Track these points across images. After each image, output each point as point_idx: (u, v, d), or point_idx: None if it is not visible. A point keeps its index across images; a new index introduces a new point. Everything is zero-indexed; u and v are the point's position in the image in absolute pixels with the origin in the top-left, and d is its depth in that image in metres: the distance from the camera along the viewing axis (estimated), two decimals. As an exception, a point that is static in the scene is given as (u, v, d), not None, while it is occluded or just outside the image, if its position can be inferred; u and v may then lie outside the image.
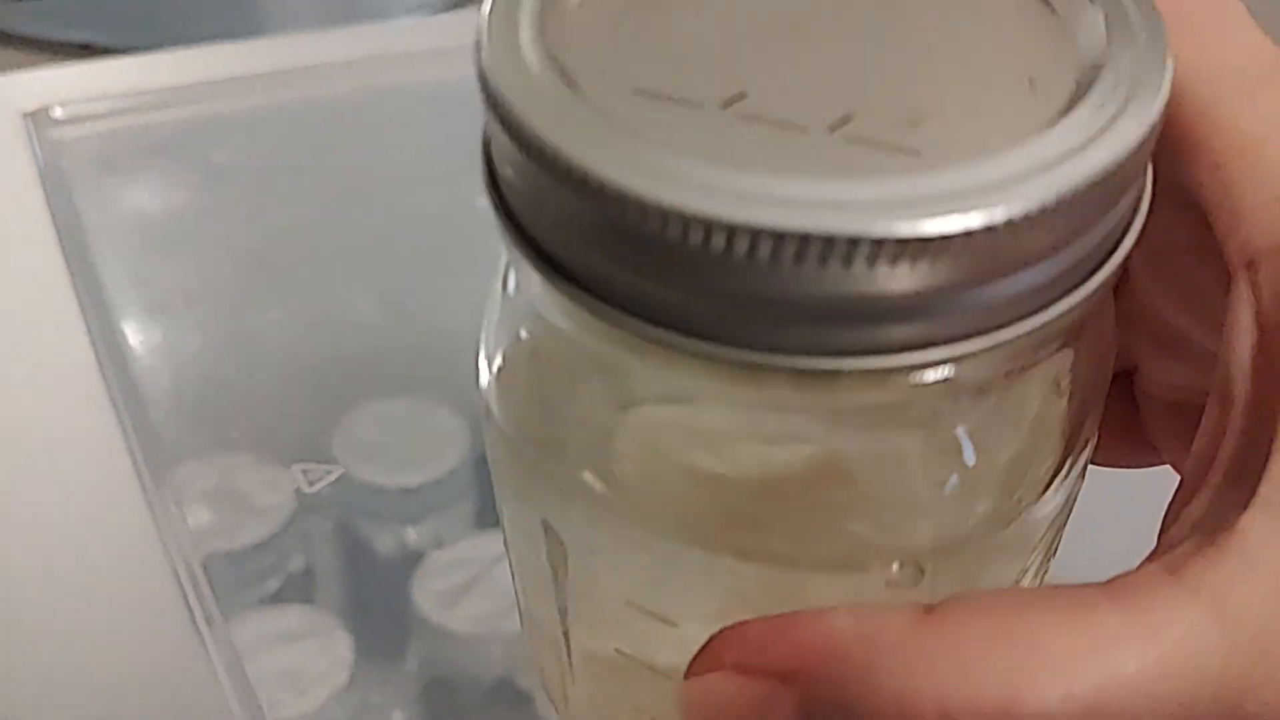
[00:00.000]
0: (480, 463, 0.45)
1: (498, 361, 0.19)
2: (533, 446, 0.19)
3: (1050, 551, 0.20)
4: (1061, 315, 0.16)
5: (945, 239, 0.14)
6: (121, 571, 0.34)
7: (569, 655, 0.20)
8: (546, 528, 0.19)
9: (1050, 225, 0.15)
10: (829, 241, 0.14)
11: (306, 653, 0.38)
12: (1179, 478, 0.18)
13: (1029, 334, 0.16)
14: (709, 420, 0.18)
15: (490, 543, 0.42)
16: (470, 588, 0.41)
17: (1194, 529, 0.16)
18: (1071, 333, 0.17)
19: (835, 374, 0.15)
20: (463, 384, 0.46)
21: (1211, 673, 0.15)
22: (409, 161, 0.51)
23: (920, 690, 0.15)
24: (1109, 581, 0.16)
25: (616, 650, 0.20)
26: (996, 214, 0.14)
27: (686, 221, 0.14)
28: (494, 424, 0.19)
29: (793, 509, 0.18)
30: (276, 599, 0.41)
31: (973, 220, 0.14)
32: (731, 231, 0.14)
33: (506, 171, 0.16)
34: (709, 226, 0.14)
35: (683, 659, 0.16)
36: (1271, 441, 0.16)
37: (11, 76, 0.49)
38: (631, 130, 0.15)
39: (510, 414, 0.19)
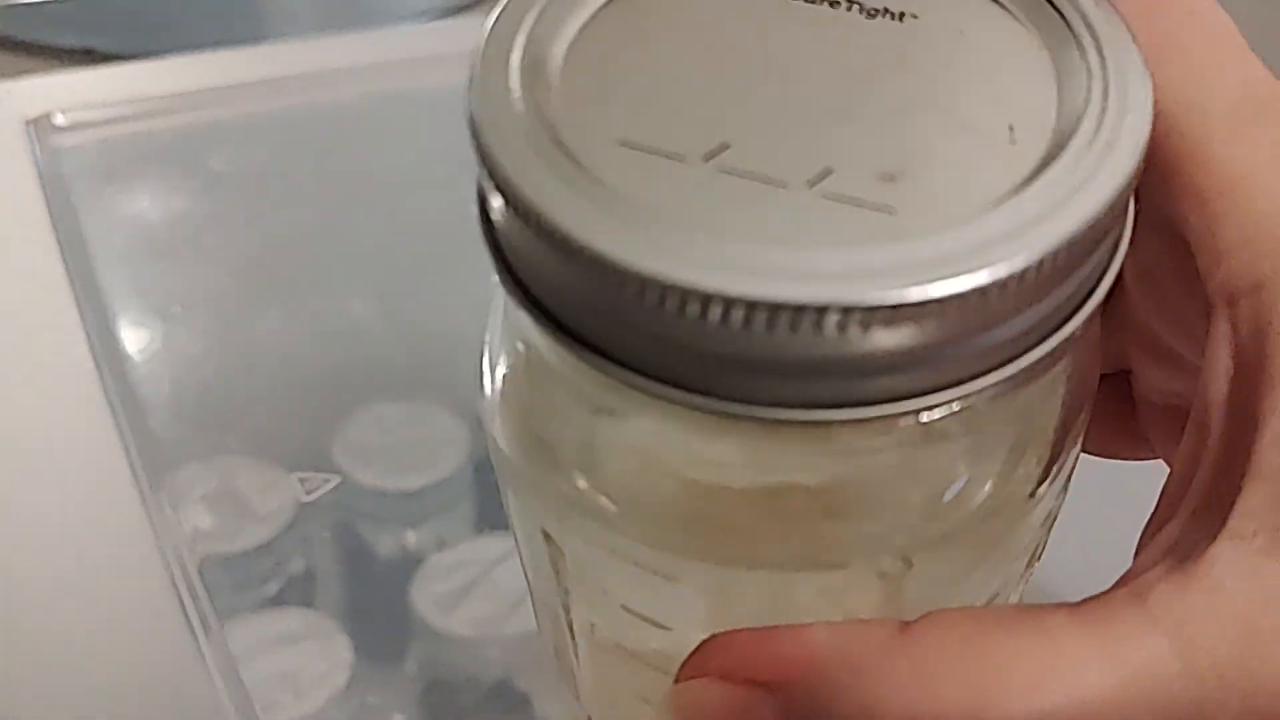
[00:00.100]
0: (480, 466, 0.45)
1: (500, 370, 0.19)
2: (529, 454, 0.19)
3: (1034, 557, 0.21)
4: (1038, 360, 0.16)
5: (909, 306, 0.14)
6: (118, 575, 0.34)
7: (575, 647, 0.21)
8: (546, 535, 0.20)
9: (1020, 289, 0.15)
10: (799, 310, 0.14)
11: (306, 655, 0.39)
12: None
13: (1007, 379, 0.16)
14: (690, 440, 0.18)
15: (489, 546, 0.42)
16: (470, 591, 0.41)
17: (1165, 554, 0.17)
18: (1065, 348, 0.17)
19: (806, 424, 0.16)
20: (462, 388, 0.46)
21: (1170, 698, 0.15)
22: (408, 167, 0.51)
23: (891, 705, 0.15)
24: (1079, 604, 0.16)
25: (618, 645, 0.20)
26: (962, 283, 0.15)
27: (664, 289, 0.15)
28: (495, 432, 0.20)
29: (779, 516, 0.18)
30: (276, 602, 0.41)
31: (935, 290, 0.14)
32: (706, 299, 0.14)
33: (496, 214, 0.17)
34: (684, 294, 0.14)
35: (680, 659, 0.17)
36: (1244, 475, 0.16)
37: (13, 83, 0.49)
38: (612, 190, 0.15)
39: (509, 422, 0.19)
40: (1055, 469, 0.19)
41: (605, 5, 0.18)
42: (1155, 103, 0.17)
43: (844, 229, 0.15)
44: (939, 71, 0.17)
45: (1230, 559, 0.16)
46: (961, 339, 0.15)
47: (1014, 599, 0.21)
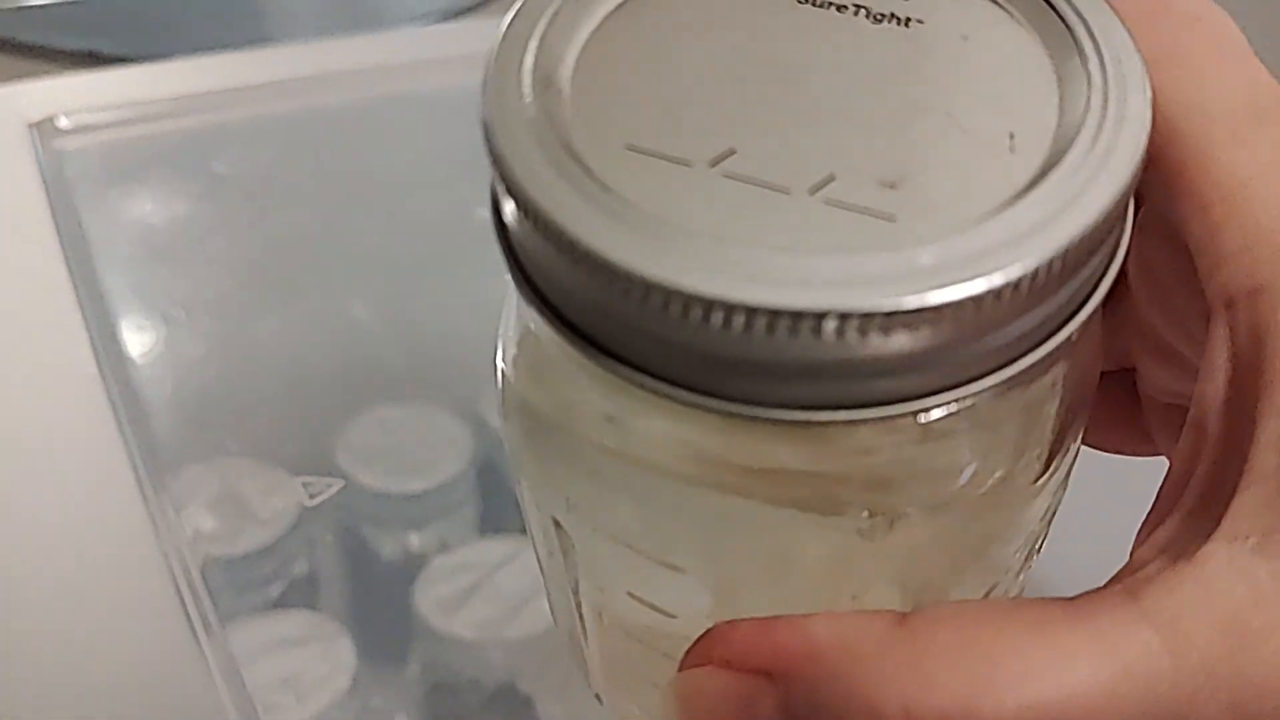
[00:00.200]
0: (483, 469, 0.45)
1: (513, 350, 0.20)
2: (544, 421, 0.20)
3: (1033, 550, 0.21)
4: (1036, 362, 0.17)
5: (905, 313, 0.15)
6: (120, 577, 0.35)
7: (585, 631, 0.22)
8: (556, 523, 0.20)
9: (1015, 297, 0.15)
10: (797, 316, 0.15)
11: (308, 658, 0.39)
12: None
13: (1005, 381, 0.16)
14: (694, 434, 0.18)
15: (492, 548, 0.42)
16: (472, 593, 0.41)
17: (1160, 553, 0.17)
18: (1064, 349, 0.18)
19: (806, 424, 0.16)
20: (465, 390, 0.46)
21: (1159, 694, 0.16)
22: (411, 170, 0.51)
23: (887, 695, 0.16)
24: (1074, 598, 0.17)
25: (626, 631, 0.21)
26: (957, 291, 0.15)
27: (668, 294, 0.15)
28: (509, 406, 0.20)
29: (784, 482, 0.19)
30: (279, 604, 0.41)
31: (931, 298, 0.15)
32: (709, 305, 0.15)
33: (507, 216, 0.17)
34: (687, 300, 0.15)
35: (686, 644, 0.17)
36: (1240, 477, 0.17)
37: (16, 86, 0.50)
38: (619, 195, 0.16)
39: (524, 394, 0.20)
40: (1055, 463, 0.19)
41: (616, 9, 0.18)
42: (1158, 108, 0.17)
43: (844, 236, 0.16)
44: (942, 77, 0.18)
45: (1223, 559, 0.16)
46: (958, 344, 0.16)
47: (1013, 592, 0.21)
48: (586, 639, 0.22)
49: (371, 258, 0.50)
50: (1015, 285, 0.15)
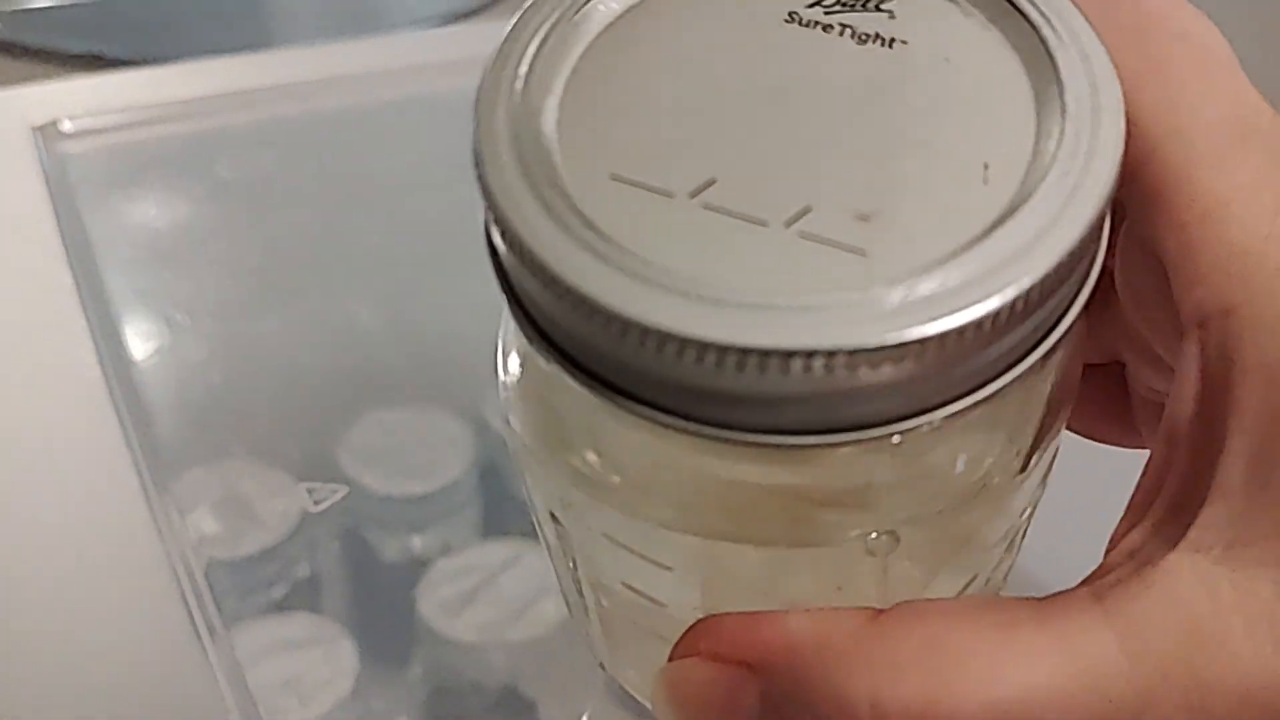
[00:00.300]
0: (485, 471, 0.45)
1: (513, 359, 0.20)
2: (541, 432, 0.20)
3: (1011, 547, 0.21)
4: (1003, 388, 0.17)
5: (866, 351, 0.16)
6: (124, 579, 0.35)
7: (587, 611, 0.23)
8: (553, 517, 0.21)
9: (977, 335, 0.16)
10: (765, 354, 0.16)
11: (311, 660, 0.39)
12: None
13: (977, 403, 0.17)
14: (675, 452, 0.19)
15: (495, 551, 0.42)
16: (475, 596, 0.41)
17: (1129, 558, 0.18)
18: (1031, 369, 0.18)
19: (779, 447, 0.17)
20: (467, 392, 0.46)
21: (1117, 694, 0.17)
22: (414, 173, 0.51)
23: (857, 688, 0.17)
24: (1042, 600, 0.17)
25: (623, 616, 0.22)
26: (918, 332, 0.16)
27: (643, 330, 0.16)
28: (510, 414, 0.21)
29: (771, 502, 0.19)
30: (281, 607, 0.41)
31: (890, 339, 0.16)
32: (683, 342, 0.16)
33: (496, 242, 0.18)
34: (662, 337, 0.16)
35: (676, 628, 0.19)
36: (1207, 491, 0.17)
37: (20, 90, 0.50)
38: (600, 230, 0.16)
39: (523, 404, 0.20)
40: (1036, 459, 0.20)
41: (605, 31, 0.19)
42: (1139, 125, 0.18)
43: (815, 273, 0.16)
44: (922, 103, 0.18)
45: (1186, 567, 0.17)
46: (924, 375, 0.16)
47: (994, 583, 0.22)
48: (589, 616, 0.23)
49: (374, 260, 0.50)
50: (978, 325, 0.16)
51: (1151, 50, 0.18)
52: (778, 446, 0.17)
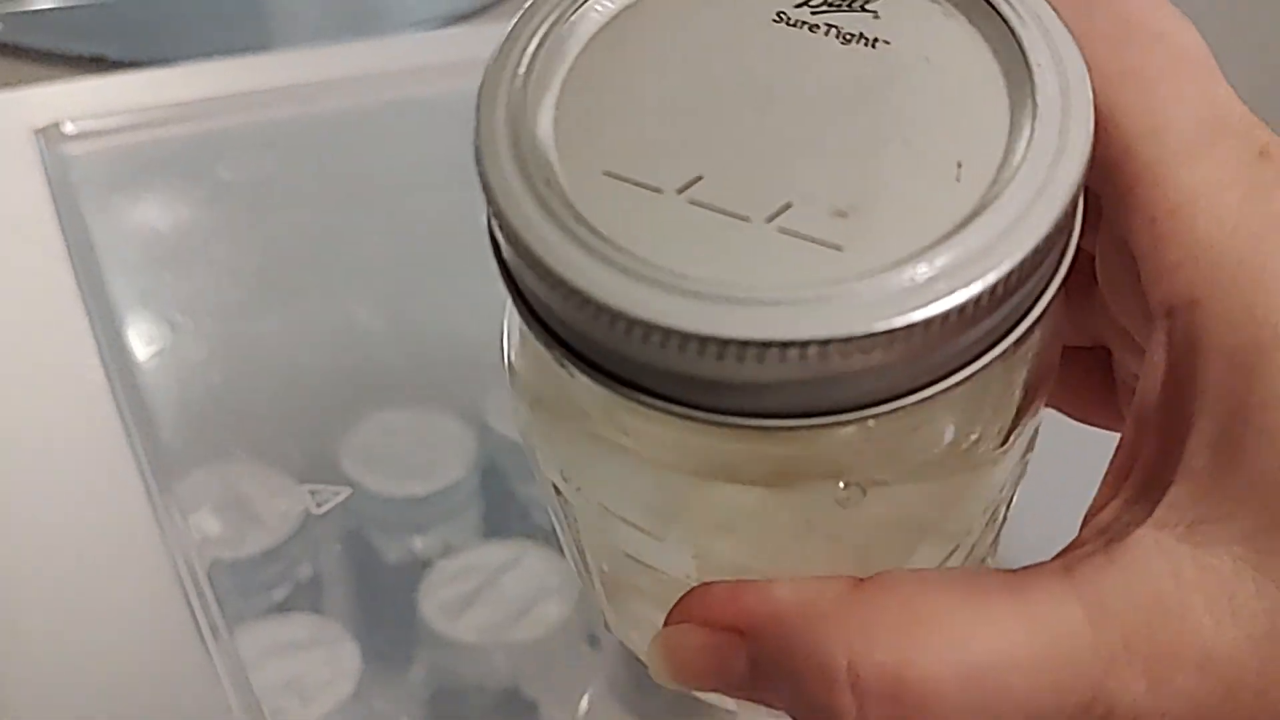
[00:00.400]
0: (486, 472, 0.45)
1: (517, 335, 0.21)
2: (545, 402, 0.21)
3: (992, 520, 0.22)
4: (971, 375, 0.18)
5: (839, 341, 0.17)
6: (127, 580, 0.35)
7: (591, 577, 0.24)
8: (556, 489, 0.22)
9: (944, 328, 0.17)
10: (743, 345, 0.17)
11: (313, 661, 0.39)
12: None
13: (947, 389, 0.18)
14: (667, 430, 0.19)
15: (496, 552, 0.42)
16: (477, 597, 0.41)
17: (1099, 535, 0.19)
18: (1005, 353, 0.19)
19: (758, 429, 0.18)
20: (469, 394, 0.46)
21: (1080, 661, 0.18)
22: (414, 174, 0.51)
23: (836, 650, 0.18)
24: (1015, 571, 0.19)
25: (624, 581, 0.23)
26: (889, 324, 0.17)
27: (630, 321, 0.17)
28: (515, 383, 0.21)
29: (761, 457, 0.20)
30: (284, 608, 0.41)
31: (858, 329, 0.17)
32: (666, 333, 0.17)
33: (497, 235, 0.18)
34: (647, 327, 0.17)
35: (673, 594, 0.20)
36: (1174, 472, 0.18)
37: (22, 92, 0.50)
38: (592, 226, 0.17)
39: (525, 374, 0.21)
40: (1014, 436, 0.21)
41: (598, 33, 0.19)
42: (1115, 123, 0.19)
43: (793, 267, 0.17)
44: (901, 102, 0.19)
45: (1151, 544, 0.18)
46: (890, 366, 0.17)
47: (978, 554, 0.23)
48: (593, 581, 0.24)
49: (375, 261, 0.50)
50: (944, 318, 0.17)
51: (1129, 51, 0.19)
52: (756, 428, 0.18)
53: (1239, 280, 0.18)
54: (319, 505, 0.41)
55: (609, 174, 0.18)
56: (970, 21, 0.19)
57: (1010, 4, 0.19)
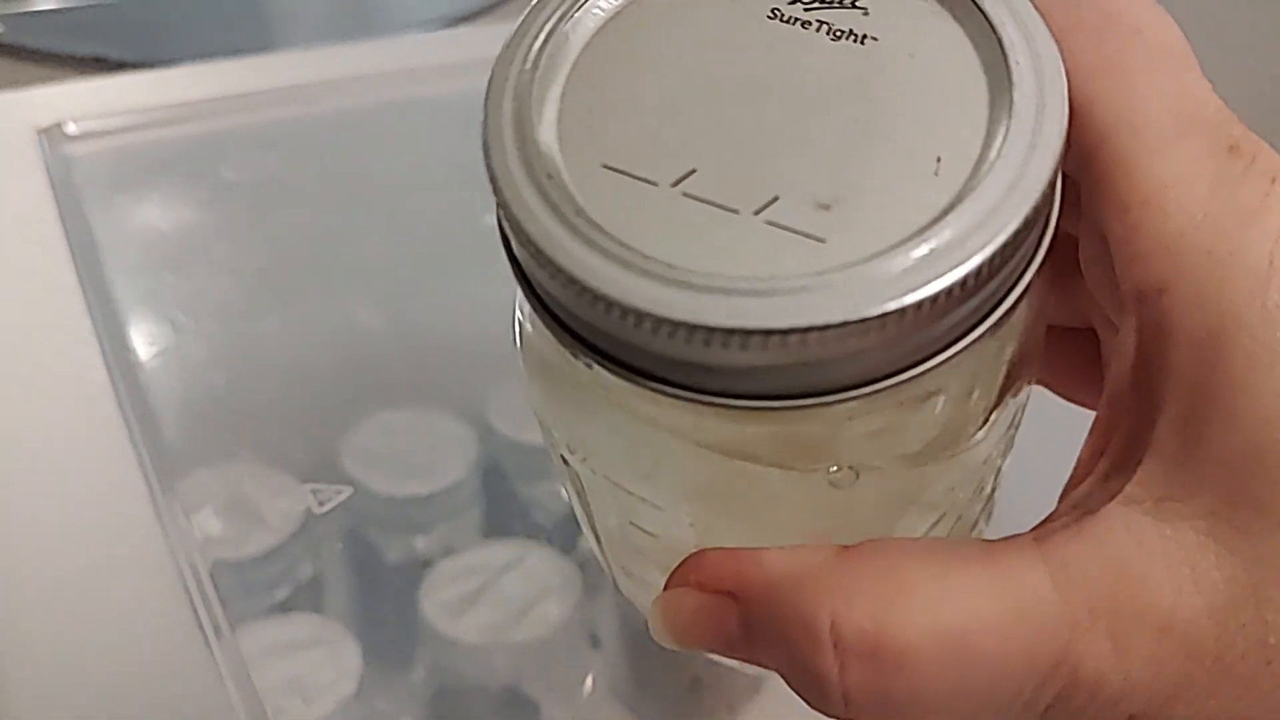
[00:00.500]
0: (488, 472, 0.45)
1: (528, 308, 0.22)
2: (553, 378, 0.22)
3: (979, 494, 0.23)
4: (948, 359, 0.19)
5: (819, 329, 0.17)
6: (129, 580, 0.35)
7: (599, 541, 0.25)
8: (564, 460, 0.23)
9: (918, 317, 0.18)
10: (728, 332, 0.18)
11: (314, 661, 0.39)
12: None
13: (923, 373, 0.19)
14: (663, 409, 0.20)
15: (497, 552, 0.42)
16: (478, 597, 0.41)
17: (1073, 509, 0.20)
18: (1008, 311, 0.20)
19: (744, 410, 0.19)
20: (470, 394, 0.46)
21: (1047, 624, 0.19)
22: (416, 175, 0.51)
23: (819, 611, 0.19)
24: (992, 541, 0.20)
25: (629, 546, 0.24)
26: (867, 312, 0.17)
27: (623, 309, 0.18)
28: (526, 352, 0.22)
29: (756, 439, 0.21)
30: (285, 608, 0.41)
31: (838, 316, 0.18)
32: (658, 321, 0.18)
33: (503, 225, 0.19)
34: (639, 315, 0.18)
35: (674, 559, 0.21)
36: (1145, 450, 0.19)
37: (25, 92, 0.50)
38: (590, 217, 0.18)
39: (535, 344, 0.22)
40: (996, 415, 0.21)
41: (600, 30, 0.20)
42: (1091, 115, 0.19)
43: (778, 257, 0.18)
44: (886, 97, 0.20)
45: (1119, 517, 0.19)
46: (868, 352, 0.18)
47: (965, 525, 0.24)
48: (601, 547, 0.26)
49: (377, 262, 0.50)
50: (918, 307, 0.18)
51: (1108, 45, 0.20)
52: (743, 409, 0.19)
53: (1206, 269, 0.19)
54: (321, 505, 0.42)
55: (608, 167, 0.19)
56: (955, 19, 0.20)
57: (994, 1, 0.20)
